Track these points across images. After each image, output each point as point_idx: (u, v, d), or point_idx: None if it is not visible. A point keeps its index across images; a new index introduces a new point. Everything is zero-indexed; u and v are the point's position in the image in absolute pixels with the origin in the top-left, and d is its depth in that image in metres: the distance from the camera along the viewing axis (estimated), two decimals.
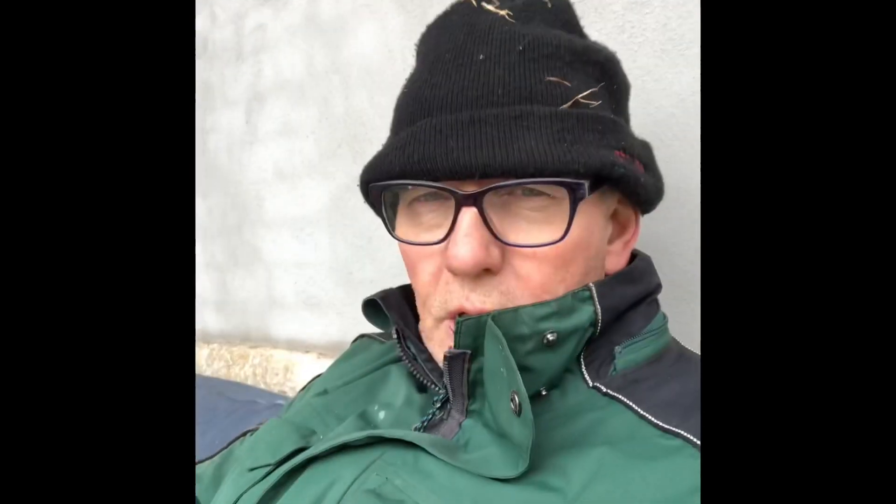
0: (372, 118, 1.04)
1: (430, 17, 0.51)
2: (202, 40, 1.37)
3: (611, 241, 0.52)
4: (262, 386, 1.18)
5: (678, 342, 0.54)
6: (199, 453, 0.69)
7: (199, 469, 0.64)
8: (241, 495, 0.49)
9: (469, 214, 0.44)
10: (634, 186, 0.47)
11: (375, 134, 1.05)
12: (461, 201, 0.44)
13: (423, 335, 0.51)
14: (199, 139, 1.40)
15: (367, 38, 1.03)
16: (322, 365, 1.10)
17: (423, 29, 0.53)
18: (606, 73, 0.49)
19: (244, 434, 0.64)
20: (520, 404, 0.40)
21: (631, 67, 0.53)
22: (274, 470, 0.49)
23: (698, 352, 0.53)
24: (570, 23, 0.51)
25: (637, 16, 0.74)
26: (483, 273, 0.45)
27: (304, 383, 0.68)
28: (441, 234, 0.46)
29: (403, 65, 0.98)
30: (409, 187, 0.47)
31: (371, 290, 0.57)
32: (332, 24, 1.09)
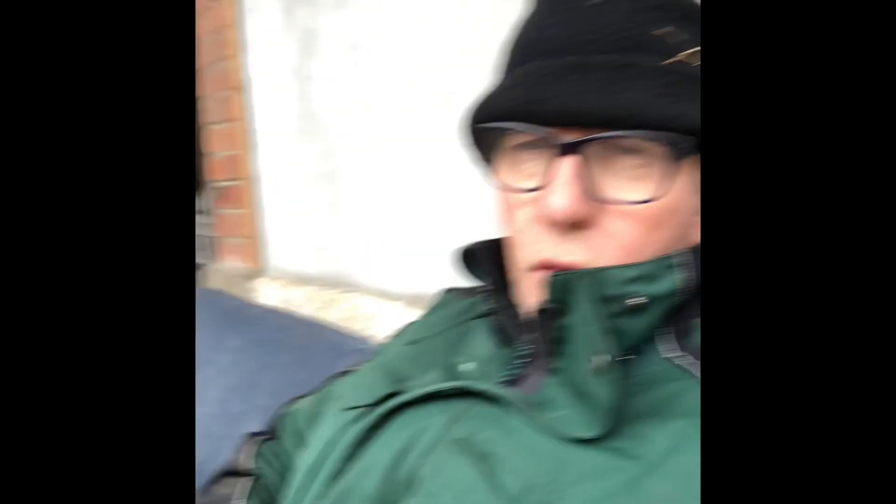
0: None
1: None
2: None
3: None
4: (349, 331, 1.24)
5: None
6: (294, 390, 0.74)
7: (298, 404, 0.69)
8: (340, 433, 0.52)
9: (569, 163, 0.44)
10: None
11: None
12: (562, 149, 0.44)
13: (515, 284, 0.52)
14: (298, 86, 1.45)
15: None
16: (408, 314, 1.14)
17: None
18: None
19: (340, 374, 0.68)
20: (604, 364, 0.41)
21: None
22: (370, 411, 0.52)
23: None
24: None
25: None
26: (574, 226, 0.45)
27: (390, 331, 0.71)
28: (539, 182, 0.46)
29: None
30: (513, 131, 0.47)
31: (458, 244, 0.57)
32: None
